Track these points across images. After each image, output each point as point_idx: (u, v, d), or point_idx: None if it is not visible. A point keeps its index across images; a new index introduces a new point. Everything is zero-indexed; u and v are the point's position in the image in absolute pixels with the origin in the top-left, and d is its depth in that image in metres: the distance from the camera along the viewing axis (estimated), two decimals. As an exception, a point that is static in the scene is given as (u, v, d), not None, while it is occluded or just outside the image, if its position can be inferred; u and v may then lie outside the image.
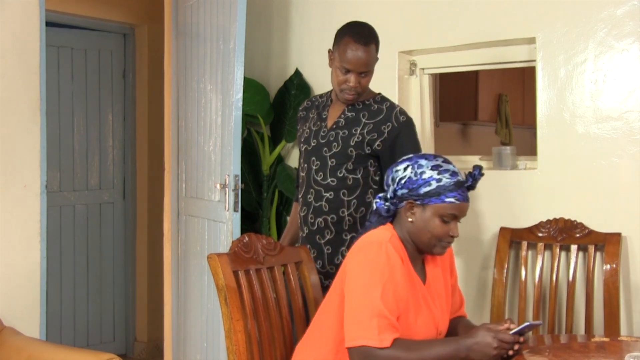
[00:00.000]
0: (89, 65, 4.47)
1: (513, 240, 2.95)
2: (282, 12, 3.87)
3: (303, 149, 2.62)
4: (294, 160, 3.83)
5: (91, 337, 4.47)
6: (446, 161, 1.91)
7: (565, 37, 2.92)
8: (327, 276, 2.47)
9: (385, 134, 2.46)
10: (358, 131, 2.48)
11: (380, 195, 1.96)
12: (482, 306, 3.01)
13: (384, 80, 3.44)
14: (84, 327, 4.45)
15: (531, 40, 3.04)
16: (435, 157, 1.92)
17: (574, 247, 2.82)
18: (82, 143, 4.46)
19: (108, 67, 4.56)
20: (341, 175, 2.47)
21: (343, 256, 2.46)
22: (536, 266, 2.89)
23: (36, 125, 2.89)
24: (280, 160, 3.77)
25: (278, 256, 2.23)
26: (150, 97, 4.55)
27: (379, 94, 2.60)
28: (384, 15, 3.45)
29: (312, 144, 2.57)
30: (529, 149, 5.06)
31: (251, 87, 3.68)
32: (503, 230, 2.96)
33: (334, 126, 2.54)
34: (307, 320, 2.18)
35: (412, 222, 1.89)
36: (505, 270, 2.92)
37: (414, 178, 1.87)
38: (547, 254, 2.89)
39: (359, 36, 2.44)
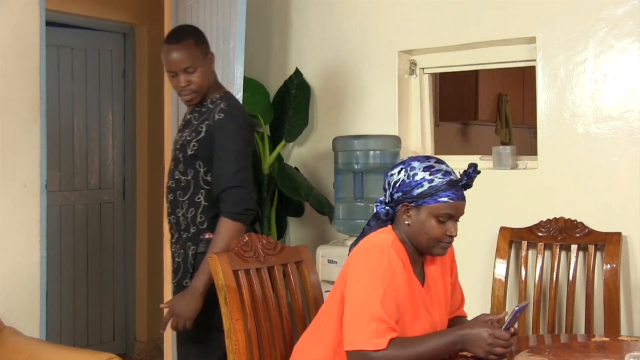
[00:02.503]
0: (89, 65, 4.47)
1: (513, 240, 2.95)
2: (282, 12, 3.87)
3: None
4: (294, 160, 3.84)
5: (91, 337, 4.47)
6: (439, 161, 1.91)
7: (565, 36, 2.92)
8: (176, 275, 2.52)
9: (203, 133, 2.42)
10: (186, 134, 2.49)
11: (380, 199, 1.97)
12: (482, 306, 3.01)
13: (384, 80, 3.46)
14: (84, 327, 4.45)
15: (531, 40, 3.04)
16: (427, 158, 1.92)
17: (574, 247, 2.82)
18: (82, 143, 4.46)
19: (108, 67, 4.56)
20: (177, 177, 2.50)
21: (188, 255, 2.47)
22: (536, 266, 2.89)
23: (36, 125, 2.89)
24: (280, 160, 3.77)
25: (278, 256, 2.23)
26: (150, 97, 4.55)
27: (223, 93, 2.53)
28: (384, 15, 3.45)
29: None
30: (529, 149, 5.07)
31: (251, 87, 3.68)
32: (503, 230, 2.96)
33: (178, 130, 2.59)
34: (307, 320, 2.18)
35: (409, 224, 1.90)
36: (505, 270, 2.92)
37: (407, 180, 1.88)
38: (547, 253, 2.89)
39: (170, 37, 2.49)
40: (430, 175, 1.86)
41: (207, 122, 2.44)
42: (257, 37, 3.92)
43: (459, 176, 1.90)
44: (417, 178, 1.86)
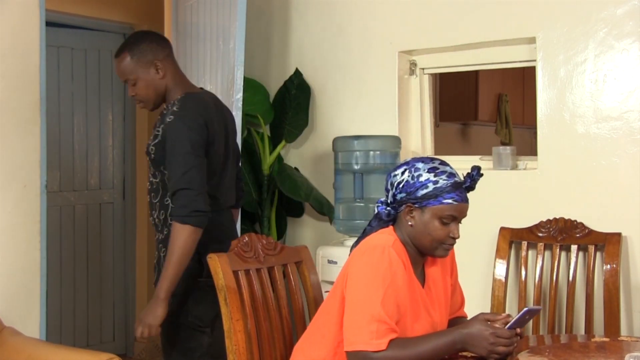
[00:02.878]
0: (89, 65, 4.47)
1: (513, 240, 2.95)
2: (282, 12, 3.87)
3: None
4: (293, 160, 3.84)
5: (91, 337, 4.47)
6: (443, 163, 1.91)
7: (565, 37, 2.92)
8: (155, 277, 2.51)
9: (159, 137, 2.41)
10: (150, 138, 2.50)
11: (382, 199, 1.97)
12: (482, 306, 3.01)
13: (384, 80, 3.46)
14: (84, 327, 4.45)
15: (531, 40, 3.04)
16: (432, 159, 1.92)
17: (574, 247, 2.82)
18: (82, 143, 4.46)
19: (108, 67, 4.56)
20: (150, 179, 2.52)
21: (160, 257, 2.47)
22: (536, 266, 2.89)
23: (36, 125, 2.89)
24: (280, 160, 3.77)
25: (278, 256, 2.23)
26: (150, 97, 4.55)
27: (181, 96, 2.47)
28: (384, 15, 3.45)
29: None
30: (529, 149, 5.07)
31: (251, 87, 3.68)
32: (503, 230, 2.96)
33: None
34: (307, 321, 2.18)
35: (412, 225, 1.89)
36: (505, 271, 2.92)
37: (411, 181, 1.88)
38: (547, 254, 2.89)
39: (115, 52, 2.51)
40: (435, 176, 1.86)
41: (162, 126, 2.42)
42: (257, 37, 3.92)
43: (462, 178, 1.90)
44: (422, 179, 1.86)
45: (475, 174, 1.90)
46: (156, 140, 2.41)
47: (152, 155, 2.44)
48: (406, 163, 1.93)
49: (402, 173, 1.90)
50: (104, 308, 4.56)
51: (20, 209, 2.85)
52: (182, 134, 2.35)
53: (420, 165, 1.89)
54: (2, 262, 2.79)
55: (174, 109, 2.42)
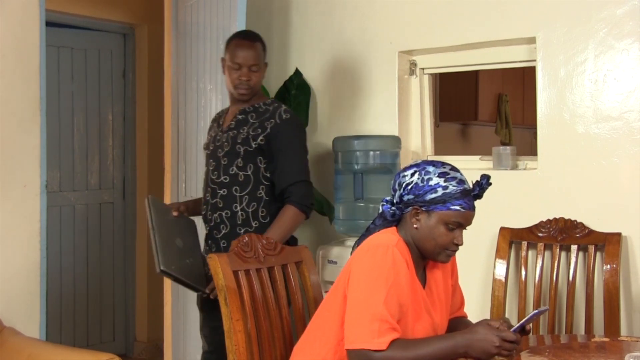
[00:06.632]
0: (89, 65, 4.47)
1: (513, 240, 2.95)
2: (282, 12, 3.87)
3: (205, 155, 2.79)
4: (294, 160, 3.83)
5: (91, 337, 4.48)
6: (454, 169, 1.91)
7: (565, 37, 2.92)
8: None
9: (268, 129, 2.60)
10: (245, 130, 2.63)
11: (387, 199, 1.96)
12: (482, 306, 3.01)
13: (384, 80, 3.46)
14: (84, 327, 4.45)
15: (531, 40, 3.04)
16: (443, 164, 1.92)
17: (574, 247, 2.82)
18: (82, 143, 4.46)
19: (108, 67, 4.56)
20: (232, 172, 2.63)
21: None
22: (536, 266, 2.89)
23: (36, 125, 2.89)
24: (280, 160, 3.77)
25: (278, 256, 2.23)
26: (150, 97, 4.55)
27: (271, 99, 2.76)
28: (384, 15, 3.45)
29: (210, 148, 2.74)
30: (529, 149, 5.07)
31: (251, 87, 3.67)
32: (503, 230, 2.96)
33: (227, 129, 2.70)
34: (307, 321, 2.18)
35: (417, 228, 1.89)
36: (505, 271, 2.92)
37: (421, 184, 1.87)
38: (547, 254, 2.89)
39: (243, 35, 2.73)
40: (445, 181, 1.86)
41: (272, 120, 2.61)
42: (257, 37, 3.91)
43: (471, 186, 1.90)
44: (432, 183, 1.86)
45: (484, 183, 1.90)
46: (266, 133, 2.59)
47: (255, 145, 2.58)
48: (416, 165, 1.92)
49: (412, 175, 1.90)
50: (104, 308, 4.56)
51: (20, 209, 2.85)
52: (299, 132, 2.65)
53: (431, 168, 1.89)
54: (2, 262, 2.79)
55: (284, 108, 2.65)
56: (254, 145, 2.59)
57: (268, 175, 2.62)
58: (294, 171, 2.57)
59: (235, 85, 2.66)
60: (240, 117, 2.69)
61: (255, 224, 2.61)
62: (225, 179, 2.63)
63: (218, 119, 2.85)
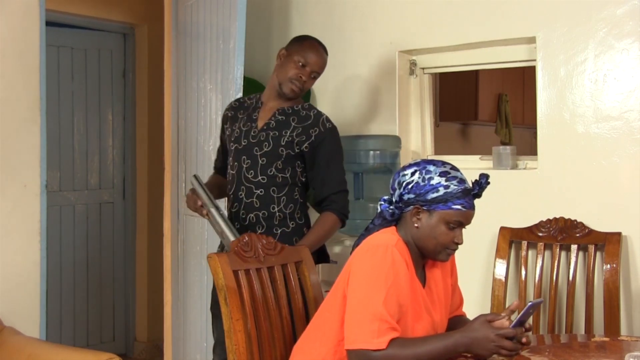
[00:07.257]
0: (89, 65, 4.47)
1: (513, 240, 2.95)
2: (282, 12, 3.87)
3: (233, 148, 2.73)
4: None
5: (91, 337, 4.47)
6: (454, 168, 1.91)
7: (565, 37, 2.92)
8: None
9: (313, 137, 2.62)
10: (288, 133, 2.63)
11: (385, 198, 1.96)
12: (482, 306, 3.01)
13: (384, 80, 3.46)
14: (84, 327, 4.45)
15: (531, 40, 3.04)
16: (443, 163, 1.92)
17: (574, 247, 2.82)
18: (82, 143, 4.46)
19: (108, 67, 4.56)
20: (271, 173, 2.62)
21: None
22: (536, 266, 2.89)
23: (36, 125, 2.89)
24: (280, 160, 3.76)
25: (278, 256, 2.22)
26: (150, 97, 4.55)
27: (308, 103, 2.78)
28: (384, 15, 3.45)
29: (243, 144, 2.69)
30: (529, 149, 5.07)
31: (251, 87, 3.67)
32: (503, 230, 2.96)
33: (265, 127, 2.67)
34: (307, 320, 2.18)
35: (417, 227, 1.89)
36: (505, 270, 2.92)
37: (422, 183, 1.87)
38: (547, 253, 2.89)
39: (320, 43, 2.74)
40: (446, 181, 1.86)
41: (316, 128, 2.63)
42: (257, 37, 3.92)
43: (471, 185, 1.90)
44: (433, 182, 1.86)
45: (483, 182, 1.91)
46: (311, 140, 2.62)
47: (298, 150, 2.61)
48: (416, 164, 1.92)
49: (412, 174, 1.90)
50: (104, 308, 4.56)
51: (20, 208, 2.85)
52: (339, 144, 2.68)
53: (431, 168, 1.89)
54: (2, 262, 2.79)
55: (325, 117, 2.68)
56: (297, 150, 2.61)
57: (304, 179, 2.67)
58: (336, 180, 2.62)
59: (291, 79, 2.65)
60: (280, 117, 2.67)
61: (292, 224, 2.63)
62: (262, 179, 2.62)
63: (247, 112, 2.76)
